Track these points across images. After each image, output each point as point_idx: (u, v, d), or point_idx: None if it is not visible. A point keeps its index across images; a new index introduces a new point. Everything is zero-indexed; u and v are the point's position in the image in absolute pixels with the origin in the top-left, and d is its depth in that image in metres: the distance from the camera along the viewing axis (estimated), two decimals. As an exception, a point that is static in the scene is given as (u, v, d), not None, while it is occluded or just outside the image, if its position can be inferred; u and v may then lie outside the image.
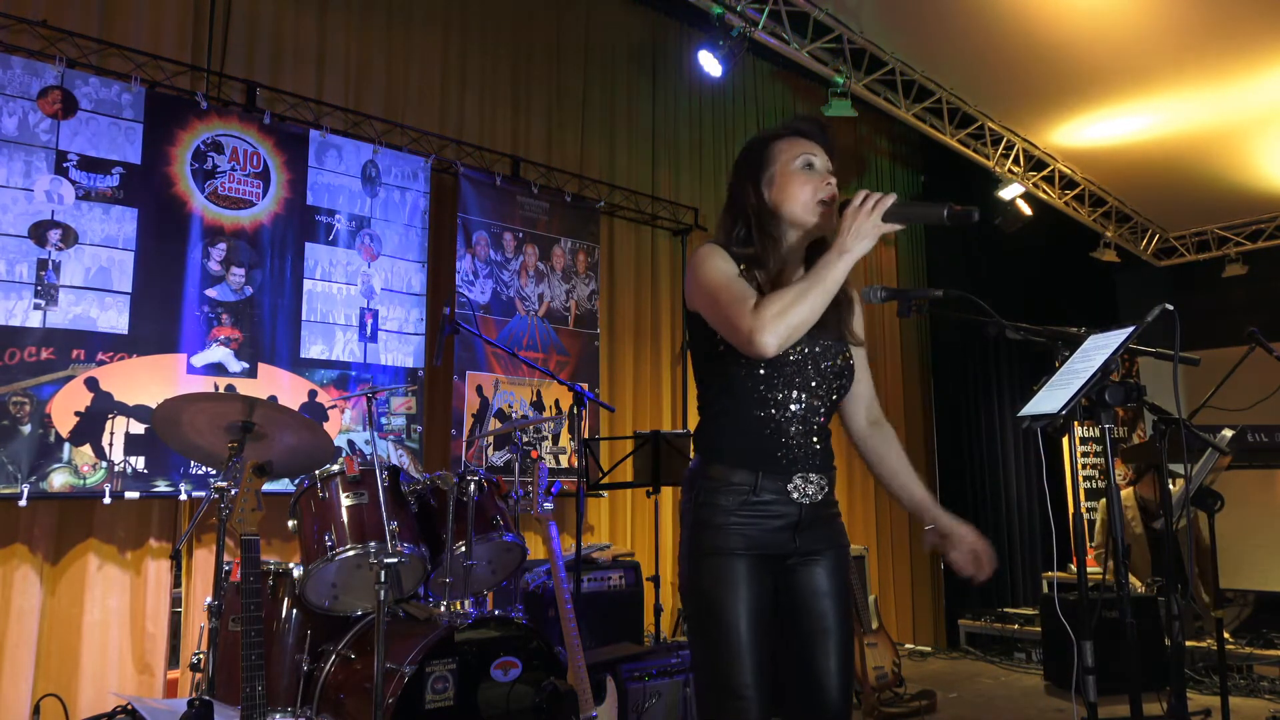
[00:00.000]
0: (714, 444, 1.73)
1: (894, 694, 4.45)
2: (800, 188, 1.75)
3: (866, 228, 1.62)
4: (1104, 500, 6.02)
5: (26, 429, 3.33)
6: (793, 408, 1.72)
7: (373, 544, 2.84)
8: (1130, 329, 2.08)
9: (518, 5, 5.15)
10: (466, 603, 2.95)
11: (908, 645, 6.45)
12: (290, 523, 3.03)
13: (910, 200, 1.60)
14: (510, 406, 4.73)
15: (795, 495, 1.71)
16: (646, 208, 5.63)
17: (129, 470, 3.53)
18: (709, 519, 1.68)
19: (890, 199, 1.63)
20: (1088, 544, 6.33)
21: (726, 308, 1.63)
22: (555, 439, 4.90)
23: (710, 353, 1.73)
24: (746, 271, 1.71)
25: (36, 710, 3.24)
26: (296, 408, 3.91)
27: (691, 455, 1.83)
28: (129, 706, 2.93)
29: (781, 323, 1.56)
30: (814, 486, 1.72)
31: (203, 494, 3.61)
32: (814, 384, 1.74)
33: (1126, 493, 5.94)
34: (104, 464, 3.47)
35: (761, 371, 1.70)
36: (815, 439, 1.75)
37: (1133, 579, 5.87)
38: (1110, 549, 2.07)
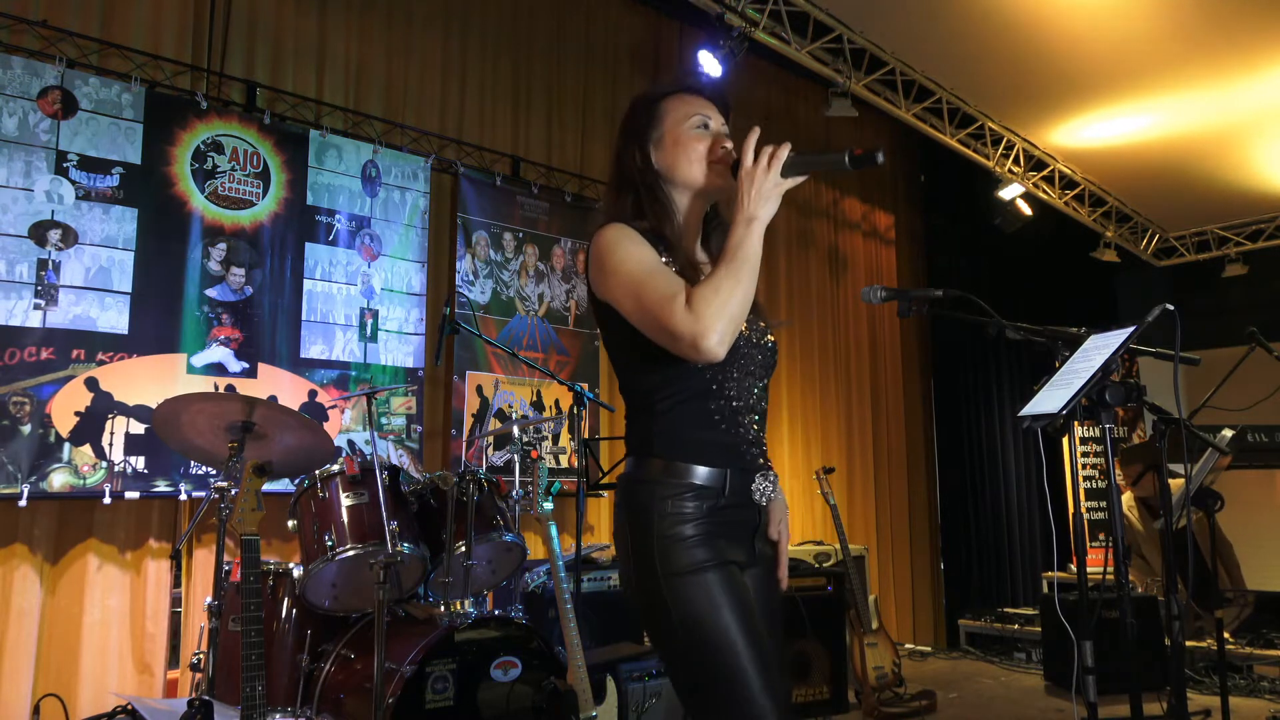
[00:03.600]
0: (672, 442, 1.50)
1: (894, 694, 4.45)
2: (691, 149, 1.57)
3: (768, 187, 1.43)
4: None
5: (26, 429, 3.33)
6: (745, 396, 1.53)
7: (373, 544, 2.84)
8: (1131, 329, 2.08)
9: (518, 5, 5.15)
10: (466, 603, 2.95)
11: (908, 645, 6.45)
12: (290, 523, 3.03)
13: (806, 152, 1.45)
14: (510, 406, 4.73)
15: (757, 496, 1.53)
16: (646, 208, 5.62)
17: (129, 470, 3.53)
18: (677, 532, 1.44)
19: (785, 150, 1.45)
20: (1088, 545, 6.33)
21: (656, 308, 1.42)
22: (555, 439, 4.90)
23: (645, 346, 1.48)
24: (665, 251, 1.52)
25: (36, 710, 3.24)
26: (296, 408, 3.91)
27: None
28: (129, 706, 2.94)
29: (724, 318, 1.37)
30: (771, 486, 1.55)
31: (203, 494, 3.61)
32: (757, 367, 1.56)
33: (1125, 495, 5.92)
34: (104, 464, 3.47)
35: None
36: (763, 430, 1.57)
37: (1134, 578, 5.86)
38: (1112, 548, 2.07)
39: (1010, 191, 6.47)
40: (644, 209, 1.58)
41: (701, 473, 1.47)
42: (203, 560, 3.72)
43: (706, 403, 1.50)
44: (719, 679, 1.41)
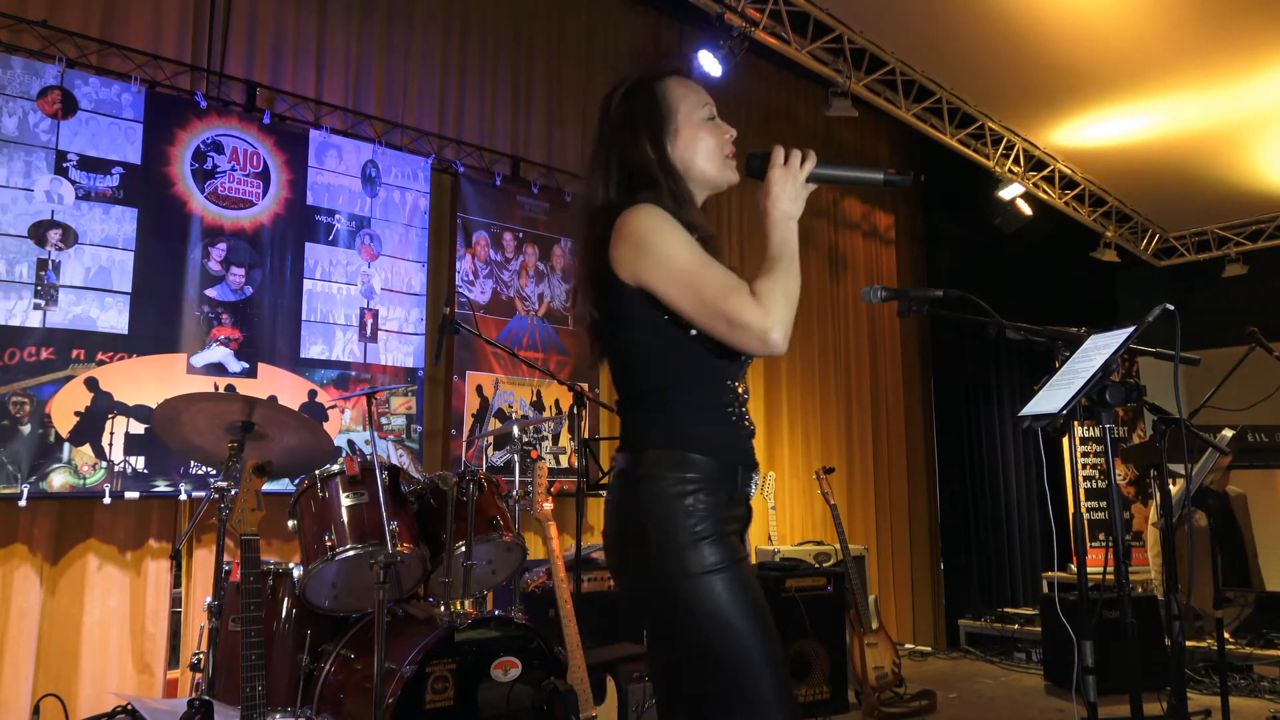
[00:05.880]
0: (685, 438, 1.44)
1: (894, 694, 4.45)
2: (708, 142, 1.56)
3: (798, 188, 1.47)
4: (1153, 503, 5.95)
5: (26, 429, 3.33)
6: (743, 391, 1.53)
7: (373, 544, 2.84)
8: (1131, 329, 2.08)
9: (518, 5, 5.15)
10: (467, 603, 2.95)
11: (908, 645, 6.45)
12: (290, 523, 3.03)
13: (830, 162, 1.48)
14: (510, 406, 4.73)
15: (750, 494, 1.52)
16: (646, 208, 5.62)
17: (129, 470, 3.53)
18: (700, 530, 1.39)
19: (813, 156, 1.48)
20: (1088, 546, 6.33)
21: (719, 298, 1.38)
22: (555, 439, 4.90)
23: (667, 338, 1.46)
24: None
25: (36, 710, 3.24)
26: (296, 408, 3.91)
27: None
28: (129, 706, 2.93)
29: (789, 313, 1.38)
30: (755, 484, 1.55)
31: (203, 494, 3.61)
32: (748, 361, 1.57)
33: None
34: (104, 464, 3.47)
35: (733, 352, 1.47)
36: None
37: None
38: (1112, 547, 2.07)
39: (1010, 191, 6.47)
40: (662, 205, 1.49)
41: (717, 468, 1.43)
42: (203, 560, 3.72)
43: (721, 396, 1.48)
44: (737, 683, 1.35)
